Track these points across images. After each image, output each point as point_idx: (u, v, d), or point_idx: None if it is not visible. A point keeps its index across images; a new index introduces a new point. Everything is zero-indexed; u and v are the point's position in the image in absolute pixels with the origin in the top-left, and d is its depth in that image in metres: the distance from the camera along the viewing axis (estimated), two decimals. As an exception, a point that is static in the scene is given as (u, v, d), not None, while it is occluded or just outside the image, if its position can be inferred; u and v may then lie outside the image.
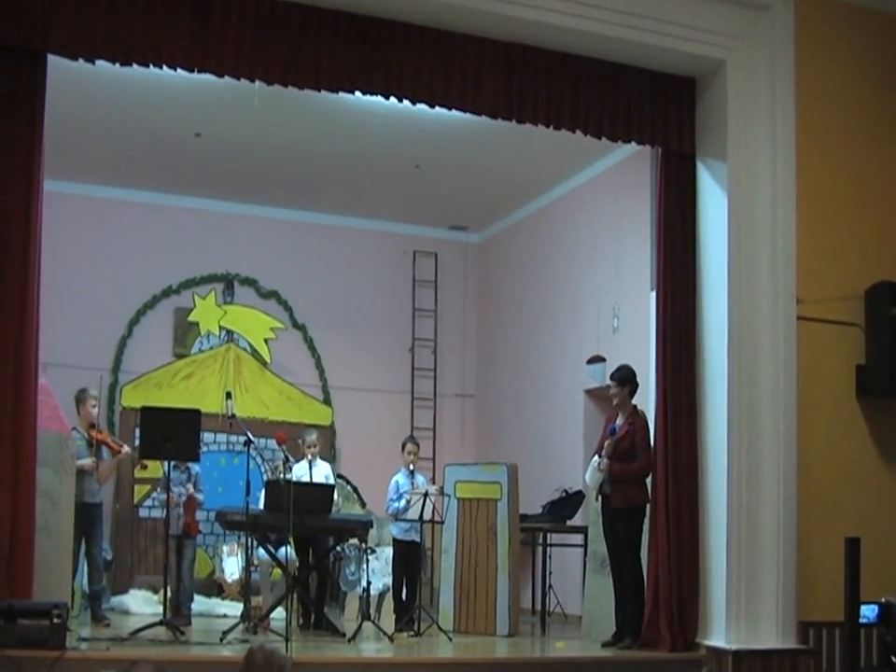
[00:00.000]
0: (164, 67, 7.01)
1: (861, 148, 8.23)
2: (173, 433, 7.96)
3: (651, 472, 8.05)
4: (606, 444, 8.15)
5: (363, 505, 11.65)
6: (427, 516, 8.78)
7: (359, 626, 8.40)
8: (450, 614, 9.22)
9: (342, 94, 7.67)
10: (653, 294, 8.52)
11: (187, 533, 9.03)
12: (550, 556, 10.08)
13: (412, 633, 8.60)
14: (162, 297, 12.39)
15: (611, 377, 8.42)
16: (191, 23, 6.89)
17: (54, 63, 6.91)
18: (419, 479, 9.41)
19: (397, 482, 9.31)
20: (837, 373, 8.02)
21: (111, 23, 6.71)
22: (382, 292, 13.28)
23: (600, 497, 8.25)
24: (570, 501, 10.22)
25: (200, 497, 9.16)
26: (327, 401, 12.76)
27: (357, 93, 7.49)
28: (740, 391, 7.72)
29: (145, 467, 9.20)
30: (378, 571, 9.75)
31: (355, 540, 9.33)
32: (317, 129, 10.41)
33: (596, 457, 8.21)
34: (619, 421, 8.25)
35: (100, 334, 11.98)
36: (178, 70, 7.11)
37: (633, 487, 8.07)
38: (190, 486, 9.02)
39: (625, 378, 8.28)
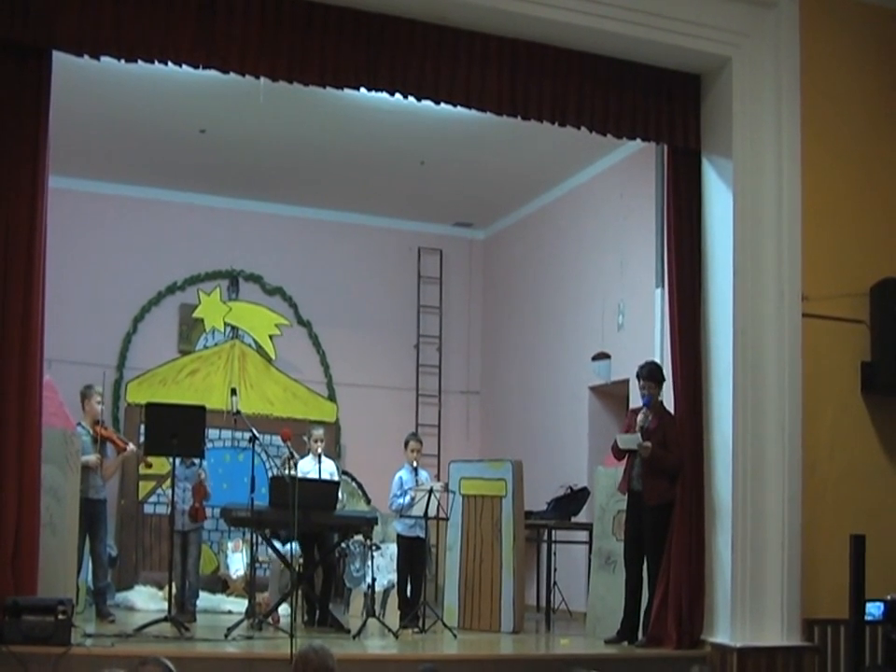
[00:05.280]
0: (169, 64, 7.00)
1: (867, 145, 8.22)
2: (178, 429, 7.96)
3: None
4: (640, 416, 8.07)
5: (368, 501, 11.66)
6: (431, 513, 8.78)
7: (364, 623, 8.41)
8: (455, 611, 9.22)
9: (347, 91, 7.68)
10: (658, 291, 8.49)
11: (193, 517, 9.03)
12: (555, 553, 10.07)
13: (416, 629, 8.60)
14: (167, 293, 12.38)
15: (644, 377, 8.16)
16: (196, 19, 6.90)
17: (59, 59, 6.91)
18: (423, 475, 9.42)
19: (400, 478, 9.31)
20: (842, 370, 8.01)
21: (116, 19, 6.72)
22: (387, 289, 13.26)
23: (628, 494, 8.16)
24: (575, 498, 10.21)
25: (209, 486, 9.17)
26: (332, 398, 12.76)
27: (363, 90, 7.48)
28: (745, 388, 7.71)
29: (149, 465, 9.20)
30: (383, 568, 9.74)
31: (359, 537, 9.32)
32: (322, 125, 10.39)
33: (639, 435, 8.01)
34: (650, 416, 8.17)
35: (105, 331, 11.98)
36: (183, 66, 7.10)
37: (666, 483, 7.96)
38: (202, 472, 9.01)
39: (660, 376, 8.21)
